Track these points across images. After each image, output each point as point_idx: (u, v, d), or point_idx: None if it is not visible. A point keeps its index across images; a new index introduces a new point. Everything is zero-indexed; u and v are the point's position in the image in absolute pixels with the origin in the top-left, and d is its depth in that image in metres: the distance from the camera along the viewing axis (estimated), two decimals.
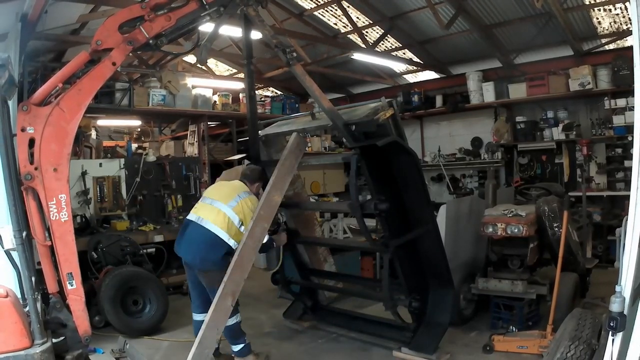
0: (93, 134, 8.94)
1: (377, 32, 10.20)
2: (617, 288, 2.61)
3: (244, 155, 5.64)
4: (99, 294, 5.81)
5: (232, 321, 4.58)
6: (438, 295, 5.04)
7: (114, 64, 3.63)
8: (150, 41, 3.78)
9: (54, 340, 3.23)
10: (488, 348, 4.94)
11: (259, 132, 5.70)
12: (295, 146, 5.00)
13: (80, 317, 3.47)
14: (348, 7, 9.54)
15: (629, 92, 7.73)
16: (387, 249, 4.71)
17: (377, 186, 4.71)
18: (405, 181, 4.84)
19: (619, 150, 8.65)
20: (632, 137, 2.75)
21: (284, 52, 4.49)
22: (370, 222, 5.86)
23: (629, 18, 7.83)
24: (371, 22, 9.99)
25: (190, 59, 11.96)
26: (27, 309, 3.10)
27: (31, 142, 3.32)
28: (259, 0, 4.62)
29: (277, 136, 5.81)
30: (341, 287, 6.38)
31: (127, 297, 5.91)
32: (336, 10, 9.76)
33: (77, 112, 3.49)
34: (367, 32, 10.24)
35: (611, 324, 2.57)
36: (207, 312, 4.37)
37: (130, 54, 9.91)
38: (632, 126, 2.77)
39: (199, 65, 11.91)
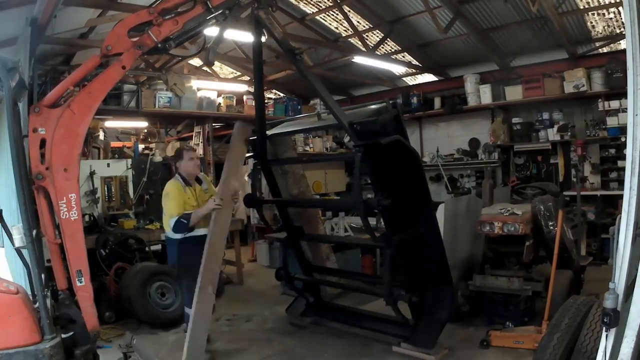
0: (101, 135, 9.02)
1: (377, 36, 10.29)
2: (611, 285, 2.61)
3: (250, 154, 5.78)
4: (123, 286, 6.05)
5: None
6: (437, 291, 5.07)
7: (123, 67, 3.68)
8: (159, 45, 3.83)
9: (63, 336, 3.26)
10: (485, 343, 5.01)
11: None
12: (239, 134, 5.33)
13: (88, 313, 3.49)
14: (349, 11, 9.64)
15: (622, 94, 7.82)
16: (389, 245, 4.80)
17: (380, 184, 4.81)
18: (407, 180, 4.90)
19: (613, 151, 8.74)
20: (625, 138, 2.75)
21: (293, 54, 4.58)
22: (371, 221, 5.98)
23: (622, 22, 8.00)
24: (371, 26, 10.09)
25: (196, 62, 12.09)
26: (37, 305, 3.12)
27: (42, 143, 3.36)
28: (269, 3, 4.71)
29: (283, 136, 5.93)
30: (343, 283, 6.41)
31: (154, 290, 6.14)
32: (337, 14, 9.87)
33: (87, 114, 3.53)
34: (367, 35, 10.34)
35: (605, 320, 2.57)
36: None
37: (138, 58, 10.04)
38: (625, 127, 2.75)
39: (204, 67, 12.06)
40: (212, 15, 4.09)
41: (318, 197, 10.15)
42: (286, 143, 6.07)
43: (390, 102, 4.84)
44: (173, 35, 3.88)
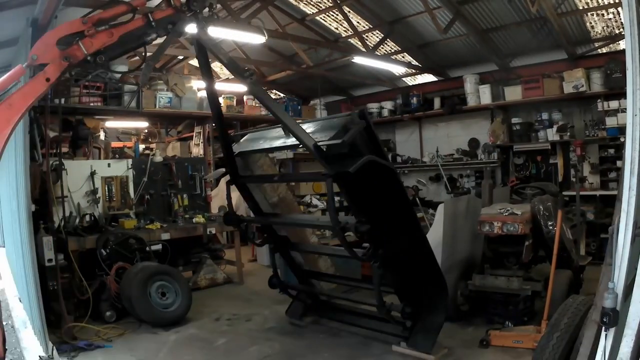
0: (102, 135, 9.07)
1: (377, 36, 10.33)
2: (610, 284, 2.62)
3: (224, 171, 5.55)
4: (124, 286, 6.05)
5: None
6: (432, 295, 5.03)
7: (47, 79, 3.38)
8: (89, 58, 3.50)
9: None
10: (485, 343, 5.03)
11: (234, 144, 5.53)
12: None
13: None
14: (349, 12, 9.69)
15: (621, 95, 7.85)
16: (376, 260, 4.63)
17: (357, 206, 4.51)
18: (386, 194, 4.63)
19: (612, 151, 8.74)
20: (624, 138, 2.78)
21: (242, 76, 4.26)
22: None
23: (621, 22, 8.01)
24: (371, 26, 10.15)
25: (196, 62, 12.09)
26: None
27: None
28: (206, 19, 4.15)
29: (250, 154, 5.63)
30: (335, 295, 6.21)
31: (154, 290, 6.15)
32: (337, 15, 9.92)
33: (5, 128, 3.23)
34: (367, 36, 10.39)
35: (604, 320, 2.58)
36: None
37: (137, 57, 10.04)
38: (624, 127, 2.76)
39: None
40: (153, 30, 3.76)
41: (317, 196, 10.12)
42: (256, 154, 5.77)
43: (357, 112, 4.40)
44: (106, 48, 3.52)
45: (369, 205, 4.54)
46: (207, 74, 4.83)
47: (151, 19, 3.67)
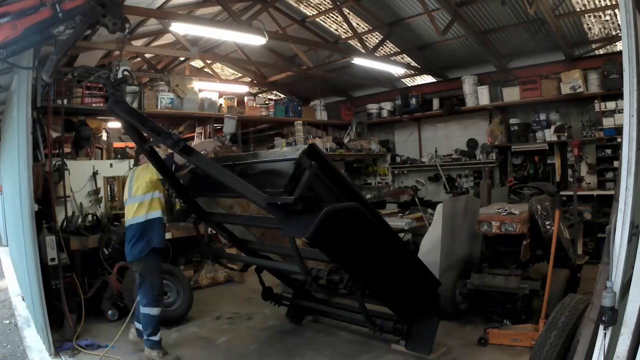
0: (104, 135, 9.09)
1: (377, 38, 10.39)
2: (608, 283, 2.63)
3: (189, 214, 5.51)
4: (126, 284, 6.06)
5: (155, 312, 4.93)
6: (425, 297, 5.01)
7: None
8: None
9: None
10: (483, 341, 5.06)
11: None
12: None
13: None
14: (348, 13, 9.75)
15: (618, 96, 7.93)
16: (359, 287, 4.46)
17: (327, 252, 4.10)
18: (358, 224, 4.19)
19: (609, 151, 8.80)
20: (621, 138, 2.77)
21: (168, 141, 3.92)
22: None
23: (619, 24, 8.08)
24: (371, 28, 10.21)
25: (197, 63, 12.16)
26: None
27: None
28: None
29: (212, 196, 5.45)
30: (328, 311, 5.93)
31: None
32: (337, 16, 9.98)
33: None
34: (366, 37, 10.44)
35: (603, 318, 2.58)
36: None
37: (139, 59, 10.02)
38: (621, 128, 2.78)
39: (206, 69, 12.12)
40: (60, 22, 3.43)
41: None
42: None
43: (306, 149, 3.84)
44: (7, 42, 3.20)
45: (341, 245, 4.14)
46: (138, 137, 4.42)
47: (59, 10, 3.33)
